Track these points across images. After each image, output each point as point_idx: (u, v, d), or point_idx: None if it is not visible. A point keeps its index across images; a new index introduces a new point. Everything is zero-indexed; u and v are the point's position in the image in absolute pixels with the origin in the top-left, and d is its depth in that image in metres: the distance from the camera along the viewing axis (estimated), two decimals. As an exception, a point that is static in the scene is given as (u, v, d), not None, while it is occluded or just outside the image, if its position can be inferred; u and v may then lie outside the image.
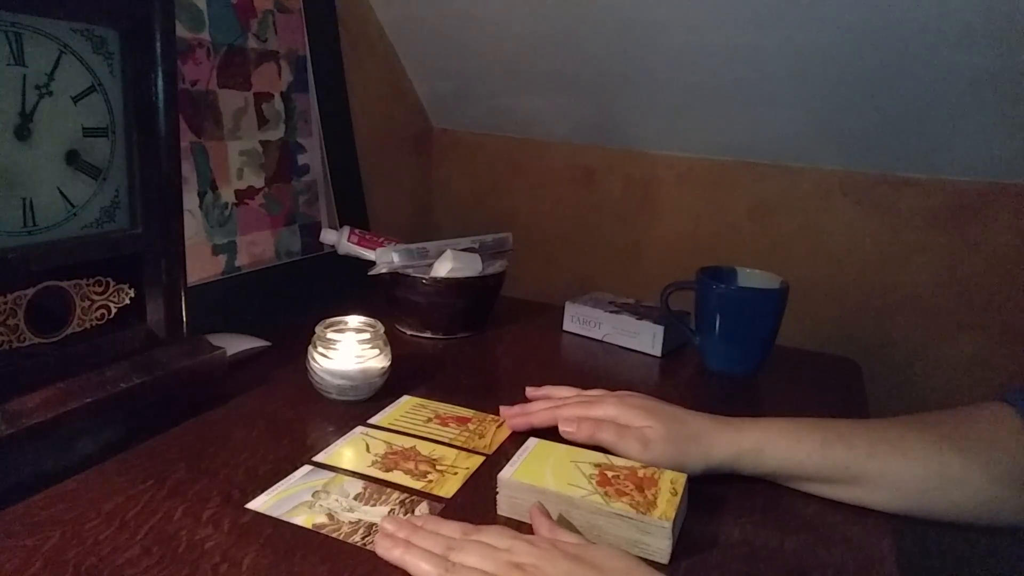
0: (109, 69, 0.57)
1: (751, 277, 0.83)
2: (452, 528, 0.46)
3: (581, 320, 0.91)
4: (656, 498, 0.48)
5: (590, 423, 0.58)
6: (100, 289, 0.59)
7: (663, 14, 0.92)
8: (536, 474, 0.51)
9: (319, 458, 0.57)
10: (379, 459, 0.57)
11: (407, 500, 0.52)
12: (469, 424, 0.64)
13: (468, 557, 0.43)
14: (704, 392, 0.77)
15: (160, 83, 0.59)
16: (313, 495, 0.52)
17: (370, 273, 0.86)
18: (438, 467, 0.57)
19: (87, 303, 0.58)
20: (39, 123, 0.52)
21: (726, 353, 0.79)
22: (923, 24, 0.80)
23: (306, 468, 0.55)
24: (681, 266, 0.89)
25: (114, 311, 0.60)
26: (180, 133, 0.62)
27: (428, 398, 0.69)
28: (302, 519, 0.49)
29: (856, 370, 0.84)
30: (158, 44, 0.58)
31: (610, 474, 0.51)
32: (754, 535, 0.50)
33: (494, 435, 0.63)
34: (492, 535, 0.45)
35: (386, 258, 0.85)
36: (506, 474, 0.51)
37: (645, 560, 0.44)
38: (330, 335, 0.67)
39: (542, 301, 1.04)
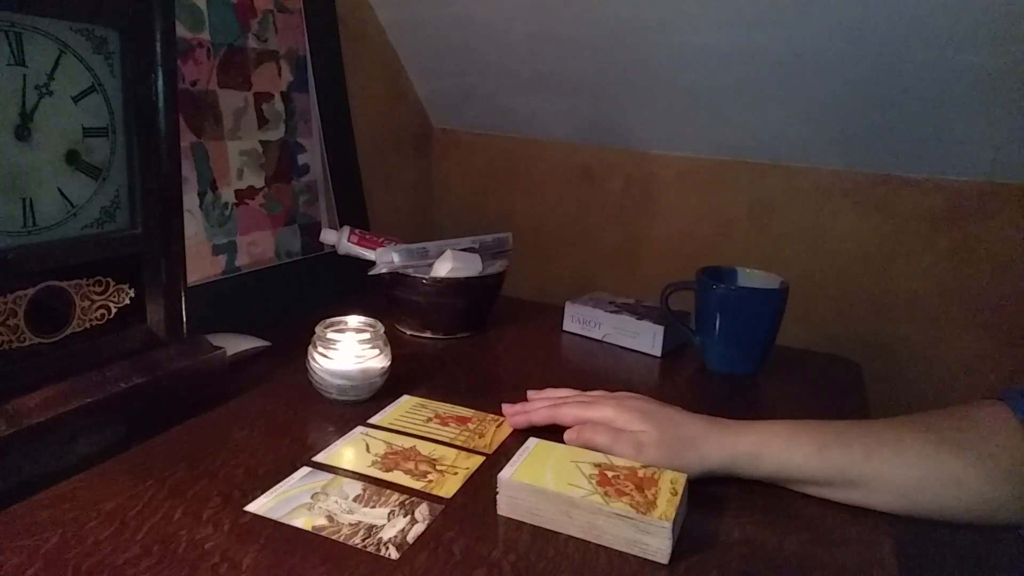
0: (109, 69, 0.57)
1: (751, 277, 0.83)
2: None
3: (581, 320, 0.90)
4: (656, 498, 0.48)
5: (586, 428, 0.58)
6: (100, 289, 0.59)
7: (663, 14, 0.92)
8: (536, 474, 0.51)
9: (319, 458, 0.57)
10: (379, 459, 0.57)
11: (407, 501, 0.52)
12: (469, 424, 0.64)
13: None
14: (704, 392, 0.77)
15: (160, 83, 0.59)
16: (312, 497, 0.52)
17: (370, 273, 0.86)
18: (438, 467, 0.57)
19: (87, 303, 0.58)
20: (39, 123, 0.52)
21: (726, 353, 0.79)
22: (923, 24, 0.80)
23: (305, 470, 0.55)
24: (681, 266, 0.89)
25: (114, 311, 0.60)
26: (180, 133, 0.62)
27: (428, 398, 0.69)
28: (301, 521, 0.49)
29: (856, 370, 0.84)
30: (158, 44, 0.58)
31: (610, 474, 0.51)
32: (754, 535, 0.50)
33: (494, 435, 0.63)
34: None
35: (386, 258, 0.85)
36: (506, 474, 0.51)
37: (645, 560, 0.44)
38: (330, 335, 0.67)
39: (542, 301, 1.04)
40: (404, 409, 0.67)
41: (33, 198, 0.53)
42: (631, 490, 0.49)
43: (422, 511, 0.51)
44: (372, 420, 0.64)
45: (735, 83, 0.98)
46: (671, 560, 0.46)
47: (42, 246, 0.53)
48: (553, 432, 0.60)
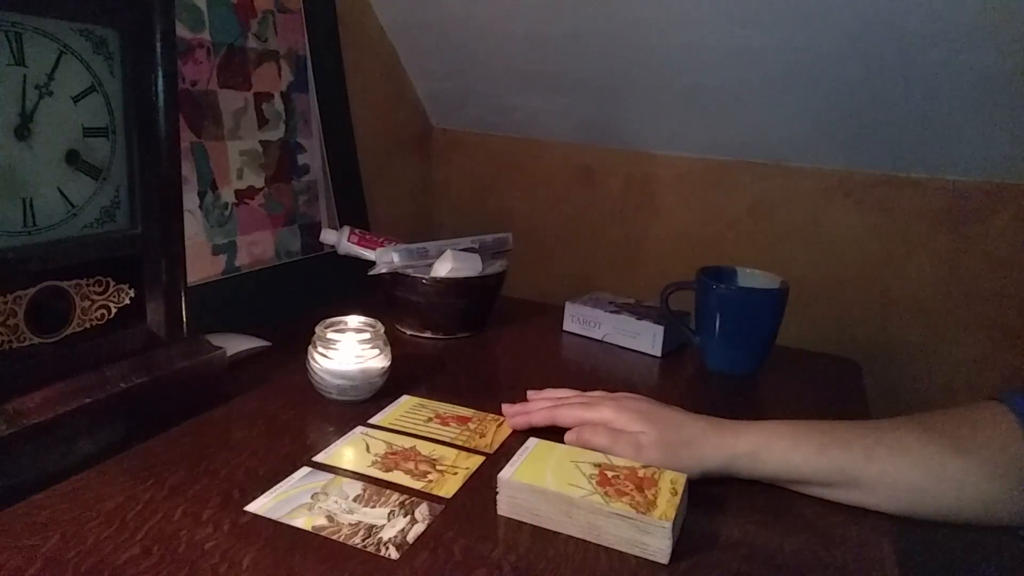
0: (109, 69, 0.57)
1: (751, 277, 0.83)
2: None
3: (581, 320, 0.90)
4: (656, 498, 0.48)
5: (585, 429, 0.58)
6: (100, 289, 0.59)
7: (663, 14, 0.92)
8: (536, 474, 0.51)
9: (319, 458, 0.57)
10: (379, 459, 0.57)
11: (407, 501, 0.52)
12: (470, 423, 0.64)
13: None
14: (704, 392, 0.77)
15: (160, 83, 0.59)
16: (312, 497, 0.52)
17: (370, 273, 0.86)
18: (438, 467, 0.57)
19: (87, 303, 0.58)
20: (39, 123, 0.52)
21: (726, 353, 0.79)
22: (923, 24, 0.80)
23: (305, 470, 0.55)
24: (681, 266, 0.89)
25: (114, 311, 0.60)
26: (180, 133, 0.62)
27: (428, 398, 0.69)
28: (301, 521, 0.49)
29: (856, 370, 0.84)
30: (158, 44, 0.58)
31: (610, 474, 0.51)
32: (754, 535, 0.50)
33: (495, 434, 0.63)
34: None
35: (386, 258, 0.85)
36: (506, 474, 0.51)
37: (645, 560, 0.44)
38: (330, 335, 0.67)
39: (542, 301, 1.04)
40: (404, 409, 0.67)
41: (33, 198, 0.53)
42: (631, 490, 0.49)
43: (422, 511, 0.51)
44: (372, 420, 0.64)
45: (735, 83, 0.98)
46: (671, 560, 0.46)
47: (42, 246, 0.53)
48: (553, 432, 0.60)
